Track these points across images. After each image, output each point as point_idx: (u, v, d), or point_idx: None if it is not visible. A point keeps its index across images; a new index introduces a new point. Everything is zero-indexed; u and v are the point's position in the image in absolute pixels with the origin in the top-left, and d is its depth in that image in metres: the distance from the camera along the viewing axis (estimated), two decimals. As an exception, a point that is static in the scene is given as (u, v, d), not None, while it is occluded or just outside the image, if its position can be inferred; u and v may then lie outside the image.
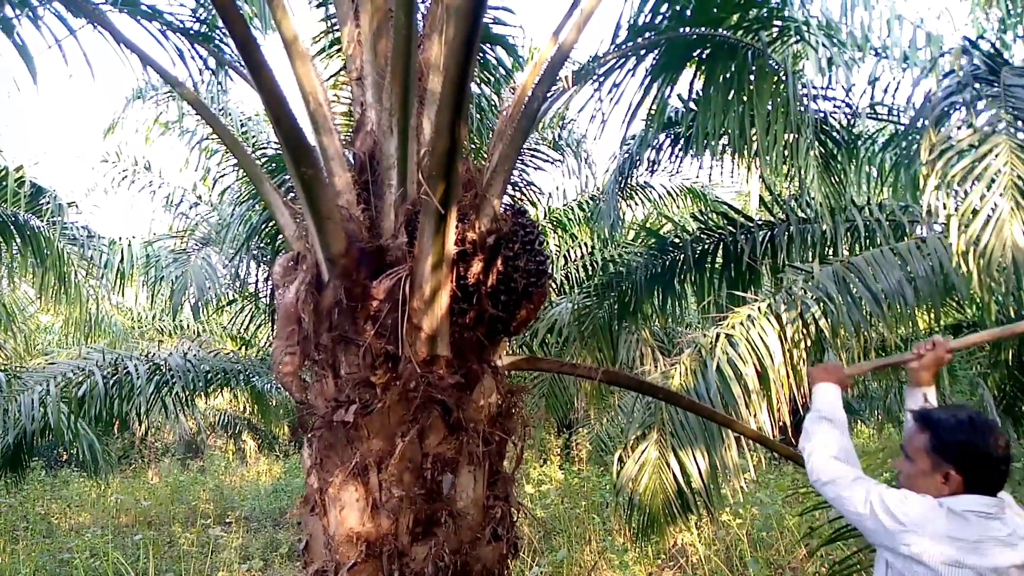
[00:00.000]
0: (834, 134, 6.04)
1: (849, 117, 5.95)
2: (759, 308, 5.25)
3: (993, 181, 2.98)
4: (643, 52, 4.02)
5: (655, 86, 4.28)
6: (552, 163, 7.71)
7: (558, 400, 9.50)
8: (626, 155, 6.88)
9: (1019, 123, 3.06)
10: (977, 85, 3.35)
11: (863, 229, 6.12)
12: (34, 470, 9.60)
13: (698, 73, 4.34)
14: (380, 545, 2.51)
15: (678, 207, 8.77)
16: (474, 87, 5.17)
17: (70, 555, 6.82)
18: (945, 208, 3.46)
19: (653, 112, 4.50)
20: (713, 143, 4.99)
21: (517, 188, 8.03)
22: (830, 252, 6.17)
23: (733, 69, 4.05)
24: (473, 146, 5.57)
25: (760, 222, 6.61)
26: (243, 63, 2.37)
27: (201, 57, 3.85)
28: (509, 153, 2.82)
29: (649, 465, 5.12)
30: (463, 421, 2.64)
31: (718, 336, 5.18)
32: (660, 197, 8.94)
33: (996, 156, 2.98)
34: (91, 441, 7.26)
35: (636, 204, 9.00)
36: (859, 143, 6.40)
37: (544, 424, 9.60)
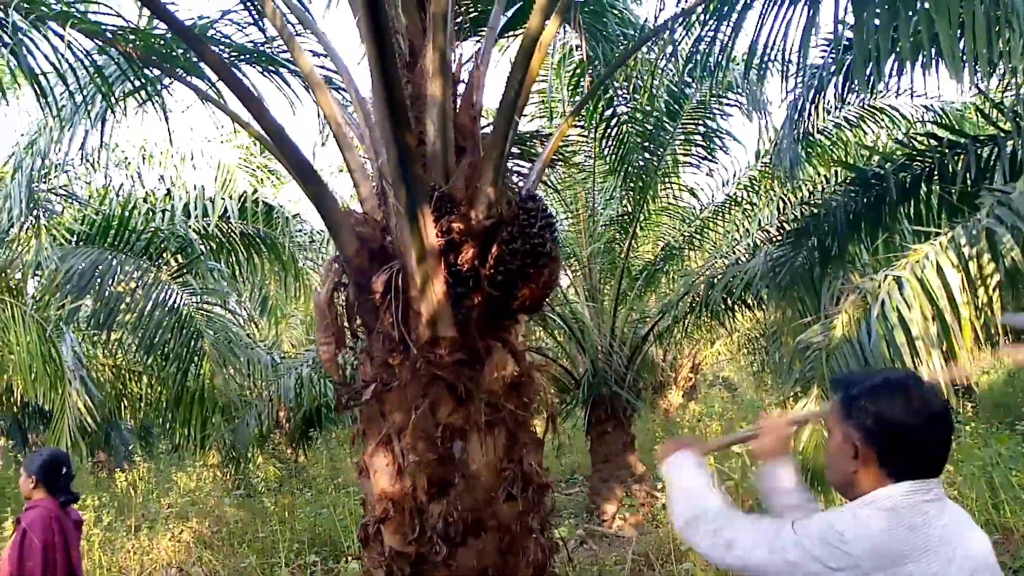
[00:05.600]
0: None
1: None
2: (940, 243, 4.66)
3: None
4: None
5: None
6: (738, 107, 7.35)
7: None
8: (803, 90, 6.36)
9: None
10: None
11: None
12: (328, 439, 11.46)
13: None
14: (403, 503, 2.90)
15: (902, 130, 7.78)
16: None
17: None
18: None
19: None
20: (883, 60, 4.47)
21: (707, 138, 7.79)
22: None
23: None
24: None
25: (983, 137, 5.76)
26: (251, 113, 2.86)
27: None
28: (495, 142, 2.98)
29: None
30: (471, 394, 2.91)
31: (886, 278, 4.71)
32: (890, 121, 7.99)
33: None
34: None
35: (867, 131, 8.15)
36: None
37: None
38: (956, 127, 6.48)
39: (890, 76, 5.74)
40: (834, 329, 4.93)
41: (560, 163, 7.54)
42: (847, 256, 6.79)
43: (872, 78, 6.15)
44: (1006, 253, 4.39)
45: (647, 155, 7.70)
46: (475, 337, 2.96)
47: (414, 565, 2.88)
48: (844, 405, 1.59)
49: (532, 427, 3.12)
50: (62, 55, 3.94)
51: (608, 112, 7.11)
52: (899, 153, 6.22)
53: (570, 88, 7.09)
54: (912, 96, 6.73)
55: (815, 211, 6.78)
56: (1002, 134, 5.63)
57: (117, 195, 7.12)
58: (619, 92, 6.99)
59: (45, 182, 6.91)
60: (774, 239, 7.74)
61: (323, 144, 5.47)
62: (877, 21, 3.92)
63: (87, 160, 7.16)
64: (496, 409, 2.94)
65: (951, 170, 5.84)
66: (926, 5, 3.79)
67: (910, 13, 3.89)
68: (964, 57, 4.34)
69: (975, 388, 9.32)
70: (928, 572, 1.44)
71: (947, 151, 5.80)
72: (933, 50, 4.25)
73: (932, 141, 5.93)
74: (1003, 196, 4.63)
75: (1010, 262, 4.41)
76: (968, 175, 5.66)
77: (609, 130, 7.26)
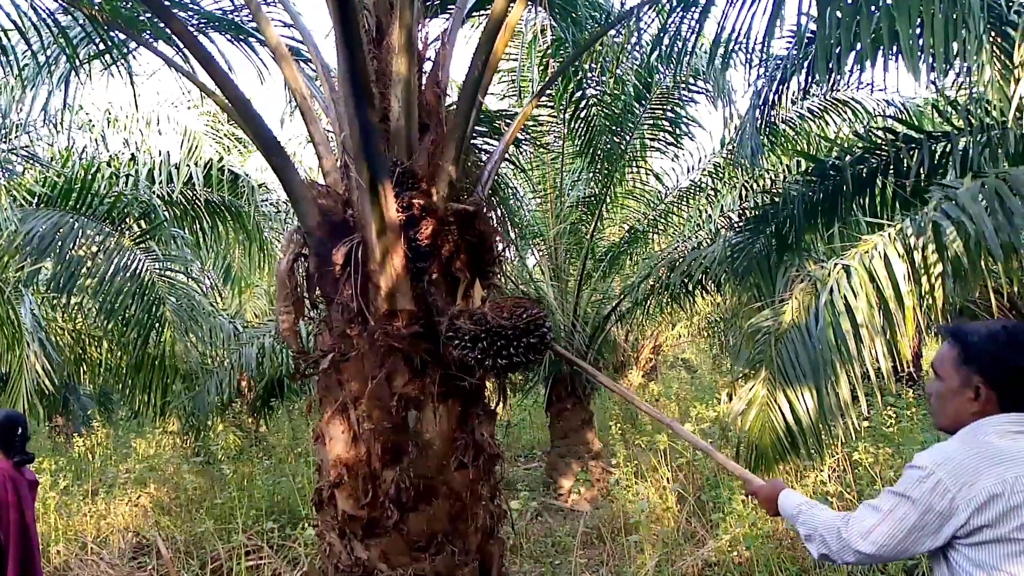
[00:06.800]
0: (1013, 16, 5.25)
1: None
2: (889, 234, 4.83)
3: None
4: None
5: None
6: (703, 94, 7.46)
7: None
8: (767, 80, 6.48)
9: None
10: None
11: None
12: (290, 409, 11.50)
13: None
14: (357, 469, 2.99)
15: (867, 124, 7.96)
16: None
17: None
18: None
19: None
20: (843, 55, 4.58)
21: (674, 124, 7.89)
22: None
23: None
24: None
25: (938, 133, 5.93)
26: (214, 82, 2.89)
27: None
28: (458, 121, 3.05)
29: (757, 403, 5.02)
30: (427, 365, 3.00)
31: (835, 267, 4.87)
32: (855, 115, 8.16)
33: None
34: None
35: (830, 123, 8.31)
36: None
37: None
38: (916, 123, 6.66)
39: (851, 71, 5.88)
40: (784, 315, 5.08)
41: (529, 143, 7.59)
42: (803, 244, 6.97)
43: (833, 72, 6.31)
44: (949, 245, 4.57)
45: (614, 138, 7.78)
46: (432, 310, 3.04)
47: (366, 528, 2.98)
48: (964, 351, 1.76)
49: (485, 399, 3.23)
50: (24, 13, 3.90)
51: (577, 94, 7.18)
52: (858, 146, 6.37)
53: (541, 69, 7.14)
54: (872, 90, 6.89)
55: (775, 199, 6.93)
56: (955, 131, 5.80)
57: (80, 158, 7.04)
58: (588, 75, 7.05)
59: (6, 142, 6.80)
60: (736, 225, 7.89)
61: (291, 116, 5.48)
62: (840, 15, 4.03)
63: (50, 121, 7.06)
64: (451, 381, 3.03)
65: (906, 164, 6.01)
66: (888, 2, 3.90)
67: (872, 9, 4.00)
68: (922, 55, 4.48)
69: (916, 377, 9.65)
70: (1008, 475, 1.60)
71: (903, 146, 5.96)
72: (894, 47, 4.39)
73: (889, 135, 6.09)
74: (950, 191, 4.80)
75: (953, 254, 4.59)
76: (922, 170, 5.84)
77: (578, 112, 7.33)
